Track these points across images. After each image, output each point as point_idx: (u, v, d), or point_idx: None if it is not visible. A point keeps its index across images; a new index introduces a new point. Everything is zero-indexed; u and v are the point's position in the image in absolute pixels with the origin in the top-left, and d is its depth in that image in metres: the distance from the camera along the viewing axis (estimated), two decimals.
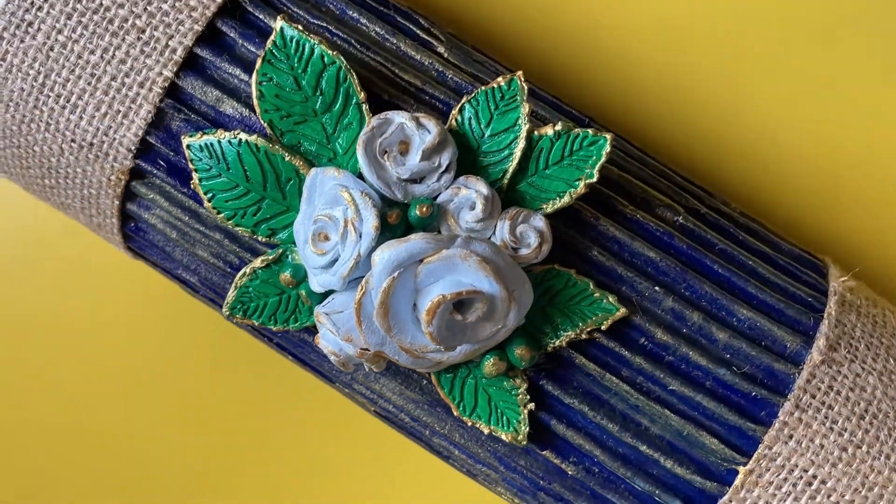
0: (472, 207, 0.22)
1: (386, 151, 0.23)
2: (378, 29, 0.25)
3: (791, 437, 0.23)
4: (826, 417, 0.23)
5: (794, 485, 0.23)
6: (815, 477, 0.23)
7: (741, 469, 0.23)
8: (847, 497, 0.23)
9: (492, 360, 0.23)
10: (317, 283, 0.23)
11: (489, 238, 0.23)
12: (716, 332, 0.24)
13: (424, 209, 0.22)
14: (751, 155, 0.31)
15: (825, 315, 0.24)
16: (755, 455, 0.23)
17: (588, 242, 0.24)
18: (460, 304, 0.22)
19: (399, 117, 0.23)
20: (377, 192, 0.22)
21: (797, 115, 0.31)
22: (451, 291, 0.21)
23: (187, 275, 0.26)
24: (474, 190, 0.22)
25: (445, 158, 0.23)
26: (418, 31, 0.26)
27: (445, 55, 0.26)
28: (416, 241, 0.22)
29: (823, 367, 0.23)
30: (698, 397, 0.23)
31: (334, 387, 0.27)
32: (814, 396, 0.23)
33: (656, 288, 0.24)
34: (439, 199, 0.23)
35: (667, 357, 0.24)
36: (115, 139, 0.25)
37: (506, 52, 0.32)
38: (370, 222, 0.22)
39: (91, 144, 0.25)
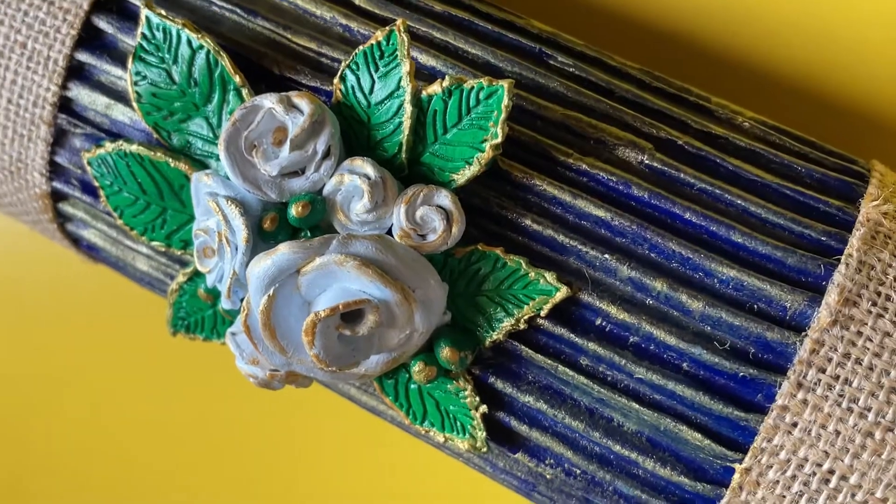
0: (360, 199, 0.19)
1: (255, 145, 0.19)
2: None
3: (795, 424, 0.18)
4: (841, 395, 0.18)
5: (806, 483, 0.18)
6: (832, 472, 0.18)
7: (737, 467, 0.19)
8: (878, 494, 0.18)
9: (418, 365, 0.20)
10: (221, 300, 0.21)
11: (390, 229, 0.19)
12: (688, 301, 0.19)
13: (301, 208, 0.19)
14: (784, 38, 0.25)
15: (843, 257, 0.19)
16: (751, 449, 0.18)
17: (520, 210, 0.20)
18: (351, 315, 0.19)
19: (267, 101, 0.19)
20: (249, 195, 0.19)
21: None
22: (326, 307, 0.18)
23: (148, 287, 0.25)
24: (360, 175, 0.19)
25: (322, 143, 0.19)
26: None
27: (357, 2, 0.22)
28: (284, 252, 0.19)
29: (836, 330, 0.18)
30: (672, 384, 0.19)
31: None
32: (822, 370, 0.18)
33: (608, 255, 0.19)
34: (325, 191, 0.19)
35: (630, 338, 0.19)
36: (28, 164, 0.23)
37: None
38: (240, 233, 0.19)
39: (10, 172, 0.24)
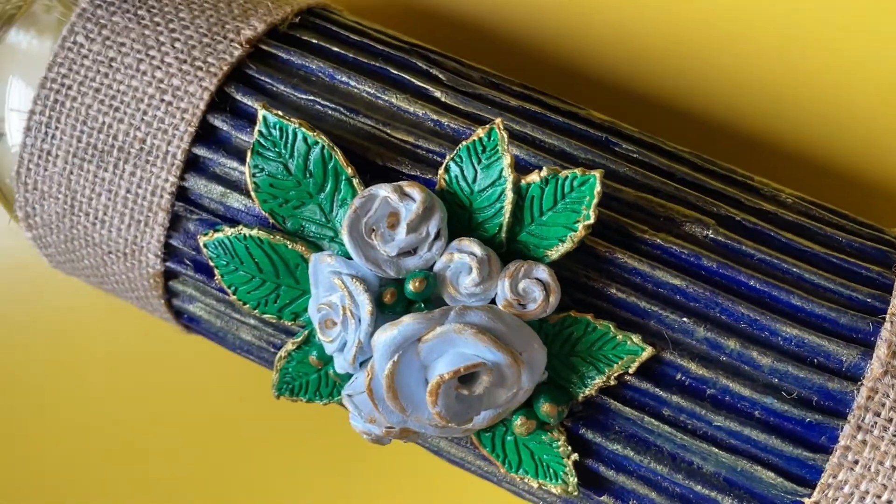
0: (469, 271, 0.22)
1: (373, 229, 0.22)
2: (368, 89, 0.25)
3: (857, 462, 0.21)
4: (892, 436, 0.21)
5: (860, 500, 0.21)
6: (890, 502, 0.21)
7: (806, 501, 0.21)
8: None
9: (519, 420, 0.22)
10: (337, 365, 0.23)
11: (493, 300, 0.22)
12: (758, 357, 0.22)
13: (418, 283, 0.22)
14: (814, 120, 0.28)
15: (888, 316, 0.22)
16: (819, 485, 0.21)
17: (605, 280, 0.22)
18: (467, 377, 0.21)
19: (382, 191, 0.22)
20: (370, 273, 0.22)
21: (863, 68, 0.28)
22: (449, 370, 0.21)
23: (246, 355, 0.27)
24: (468, 253, 0.22)
25: (434, 226, 0.22)
26: (413, 79, 0.25)
27: (443, 99, 0.25)
28: (409, 322, 0.21)
29: (887, 379, 0.21)
30: (747, 430, 0.22)
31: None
32: (878, 414, 0.21)
33: (686, 318, 0.22)
34: (436, 268, 0.22)
35: (707, 391, 0.22)
36: (142, 246, 0.26)
37: (518, 60, 0.30)
38: (365, 307, 0.22)
39: (125, 254, 0.26)
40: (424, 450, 0.27)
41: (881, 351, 0.21)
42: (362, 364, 0.22)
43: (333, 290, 0.22)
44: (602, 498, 0.23)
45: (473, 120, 0.24)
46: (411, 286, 0.22)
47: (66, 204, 0.26)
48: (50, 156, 0.26)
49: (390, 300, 0.22)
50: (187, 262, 0.25)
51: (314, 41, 0.26)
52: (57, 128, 0.25)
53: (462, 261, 0.22)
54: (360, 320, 0.22)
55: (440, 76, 0.25)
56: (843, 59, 0.28)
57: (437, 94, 0.25)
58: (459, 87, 0.25)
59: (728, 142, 0.29)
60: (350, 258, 0.22)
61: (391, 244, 0.22)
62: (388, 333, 0.21)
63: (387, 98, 0.25)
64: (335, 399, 0.25)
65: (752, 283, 0.22)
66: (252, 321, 0.26)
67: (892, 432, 0.21)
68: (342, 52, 0.26)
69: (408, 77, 0.25)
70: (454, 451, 0.26)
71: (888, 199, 0.28)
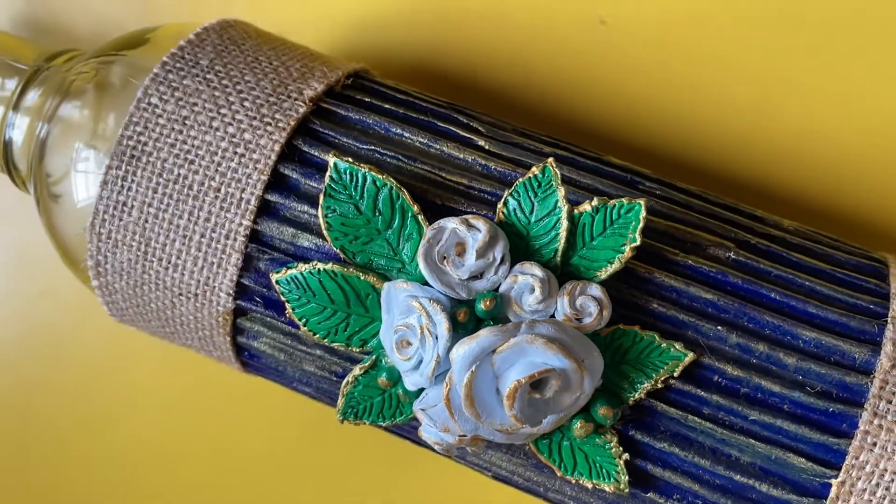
0: (532, 291, 0.25)
1: (444, 257, 0.25)
2: (421, 139, 0.28)
3: (875, 444, 0.24)
4: None
5: (888, 488, 0.24)
6: (889, 485, 0.24)
7: (833, 482, 0.24)
8: None
9: (579, 423, 0.25)
10: (409, 383, 0.26)
11: (552, 315, 0.25)
12: (784, 358, 0.25)
13: (488, 303, 0.24)
14: (796, 166, 0.32)
15: (889, 319, 0.25)
16: (844, 466, 0.24)
17: (647, 297, 0.26)
18: (537, 382, 0.24)
19: (450, 223, 0.25)
20: (444, 295, 0.25)
21: (834, 115, 0.32)
22: (524, 375, 0.24)
23: (302, 387, 0.29)
24: (530, 275, 0.25)
25: (499, 252, 0.25)
26: (458, 130, 0.28)
27: (487, 147, 0.28)
28: (486, 335, 0.24)
29: (895, 372, 0.25)
30: (779, 422, 0.25)
31: (452, 459, 0.30)
32: (890, 402, 0.24)
33: (719, 327, 0.25)
34: (501, 289, 0.25)
35: (742, 389, 0.25)
36: (214, 287, 0.28)
37: (546, 120, 0.34)
38: (442, 325, 0.24)
39: (195, 295, 0.28)
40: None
41: (888, 348, 0.25)
42: (437, 378, 0.25)
43: (410, 313, 0.25)
44: (649, 495, 0.26)
45: (515, 164, 0.28)
46: (482, 305, 0.25)
47: (139, 251, 0.28)
48: (125, 206, 0.28)
49: (463, 318, 0.25)
50: (257, 299, 0.28)
51: (366, 99, 0.29)
52: (133, 181, 0.28)
53: (525, 281, 0.25)
54: (437, 337, 0.25)
55: (480, 128, 0.29)
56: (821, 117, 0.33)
57: (481, 142, 0.28)
58: (498, 137, 0.29)
59: (718, 186, 0.33)
60: (422, 284, 0.25)
61: (462, 269, 0.25)
62: (467, 346, 0.24)
63: (438, 147, 0.28)
64: (397, 420, 0.27)
65: (773, 294, 0.26)
66: (318, 352, 0.28)
67: (892, 408, 0.24)
68: (392, 108, 0.29)
69: (453, 129, 0.28)
70: (505, 466, 0.28)
71: (864, 231, 0.32)
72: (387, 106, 0.29)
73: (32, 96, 0.32)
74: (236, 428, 0.39)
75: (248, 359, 0.30)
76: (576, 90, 0.35)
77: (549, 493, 0.28)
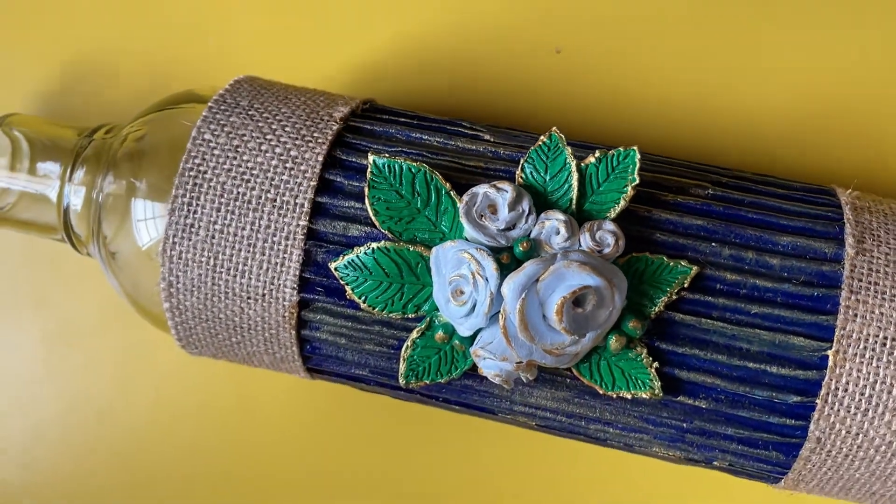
0: (558, 232, 0.30)
1: (482, 215, 0.30)
2: (438, 139, 0.33)
3: (856, 315, 0.29)
4: (877, 292, 0.30)
5: (874, 349, 0.29)
6: (886, 338, 0.29)
7: (829, 353, 0.29)
8: None
9: (614, 338, 0.30)
10: (465, 328, 0.30)
11: (578, 249, 0.30)
12: (770, 260, 0.30)
13: (525, 245, 0.29)
14: (746, 134, 0.38)
15: (845, 221, 0.31)
16: (835, 338, 0.29)
17: (650, 230, 0.31)
18: (576, 301, 0.29)
19: (482, 188, 0.30)
20: (487, 245, 0.30)
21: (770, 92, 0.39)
22: (568, 292, 0.28)
23: (360, 371, 0.33)
24: (554, 219, 0.30)
25: (525, 205, 0.30)
26: (465, 131, 0.34)
27: (492, 139, 0.33)
28: (530, 266, 0.29)
29: (859, 257, 0.30)
30: (776, 311, 0.30)
31: (497, 419, 0.34)
32: (861, 280, 0.30)
33: (713, 244, 0.30)
34: (532, 235, 0.30)
35: (741, 290, 0.30)
36: (279, 285, 0.32)
37: (534, 125, 0.40)
38: (491, 267, 0.29)
39: (263, 295, 0.32)
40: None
41: (849, 240, 0.30)
42: (492, 318, 0.30)
43: (460, 264, 0.30)
44: (679, 398, 0.31)
45: (520, 148, 0.33)
46: (520, 247, 0.29)
47: (208, 265, 0.32)
48: (193, 228, 0.32)
49: (507, 261, 0.29)
50: (319, 289, 0.32)
51: (384, 117, 0.34)
52: (197, 204, 0.32)
53: (552, 225, 0.30)
54: (487, 279, 0.29)
55: (481, 128, 0.34)
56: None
57: (487, 136, 0.34)
58: (499, 133, 0.34)
59: None
60: (466, 241, 0.30)
61: (498, 221, 0.30)
62: (516, 277, 0.29)
63: (453, 143, 0.33)
64: (454, 374, 0.31)
65: (750, 215, 0.31)
66: (376, 328, 0.32)
67: (874, 290, 0.30)
68: (407, 120, 0.34)
69: (461, 130, 0.34)
70: (549, 405, 0.32)
71: None
72: (402, 119, 0.34)
73: (81, 172, 0.36)
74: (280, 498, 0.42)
75: (310, 352, 0.34)
76: (536, 111, 0.41)
77: (591, 426, 0.32)
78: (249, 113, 0.33)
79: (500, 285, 0.29)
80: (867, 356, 0.29)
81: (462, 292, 0.30)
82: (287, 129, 0.33)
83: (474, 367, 0.31)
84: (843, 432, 0.30)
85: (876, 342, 0.29)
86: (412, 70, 0.42)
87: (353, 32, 0.42)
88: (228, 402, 0.42)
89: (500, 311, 0.29)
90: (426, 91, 0.42)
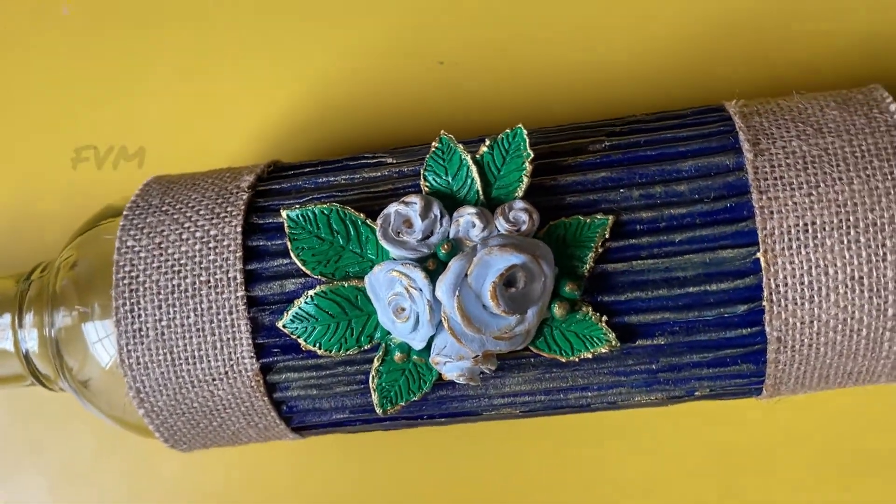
0: (473, 225, 0.31)
1: (398, 232, 0.31)
2: (343, 177, 0.34)
3: (772, 212, 0.30)
4: (784, 185, 0.31)
5: (798, 238, 0.30)
6: (806, 224, 0.30)
7: (759, 255, 0.30)
8: (834, 220, 0.30)
9: (556, 305, 0.31)
10: (417, 342, 0.31)
11: (497, 234, 0.31)
12: (677, 187, 0.31)
13: (446, 246, 0.30)
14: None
15: (737, 129, 0.32)
16: (760, 239, 0.30)
17: (559, 195, 0.32)
18: (508, 282, 0.30)
19: (391, 208, 0.31)
20: (412, 258, 0.31)
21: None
22: (496, 276, 0.29)
23: (340, 415, 0.34)
24: (467, 215, 0.31)
25: (436, 209, 0.31)
26: (368, 161, 0.35)
27: (395, 161, 0.35)
28: (455, 264, 0.30)
29: (759, 159, 0.31)
30: (698, 233, 0.31)
31: (483, 418, 0.35)
32: (765, 179, 0.31)
33: (621, 190, 0.32)
34: (451, 236, 0.31)
35: (660, 224, 0.31)
36: (238, 358, 0.33)
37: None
38: (420, 277, 0.30)
39: (226, 373, 0.33)
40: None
41: (745, 147, 0.31)
42: (437, 325, 0.30)
43: (393, 284, 0.31)
44: (638, 342, 0.32)
45: (420, 162, 0.34)
46: (442, 250, 0.30)
47: (166, 362, 0.33)
48: (141, 332, 0.33)
49: (433, 267, 0.30)
50: (275, 350, 0.33)
51: (290, 173, 0.36)
52: (139, 308, 0.33)
53: (466, 220, 0.31)
54: (421, 289, 0.30)
55: (384, 154, 0.35)
56: None
57: (390, 160, 0.35)
58: (399, 152, 0.35)
59: None
60: (392, 260, 0.31)
61: (416, 233, 0.31)
62: (445, 278, 0.30)
63: (359, 176, 0.34)
64: (425, 388, 0.32)
65: (648, 152, 0.32)
66: (339, 369, 0.33)
67: (780, 184, 0.31)
68: (311, 169, 0.35)
69: (364, 162, 0.35)
70: (524, 388, 0.33)
71: None
72: (307, 169, 0.35)
73: (29, 315, 0.37)
74: None
75: (289, 412, 0.35)
76: (419, 120, 0.42)
77: (570, 396, 0.33)
78: (163, 209, 0.35)
79: (433, 291, 0.30)
80: (794, 246, 0.30)
81: (403, 309, 0.31)
82: (201, 212, 0.34)
83: (441, 377, 0.32)
84: (798, 324, 0.31)
85: (798, 231, 0.30)
86: (314, 120, 0.43)
87: (247, 102, 0.43)
88: (239, 489, 0.43)
89: (442, 315, 0.30)
90: (332, 135, 0.43)
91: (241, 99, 0.44)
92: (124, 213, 0.35)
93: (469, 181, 0.31)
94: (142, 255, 0.34)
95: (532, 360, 0.32)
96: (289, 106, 0.43)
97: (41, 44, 0.45)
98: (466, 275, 0.30)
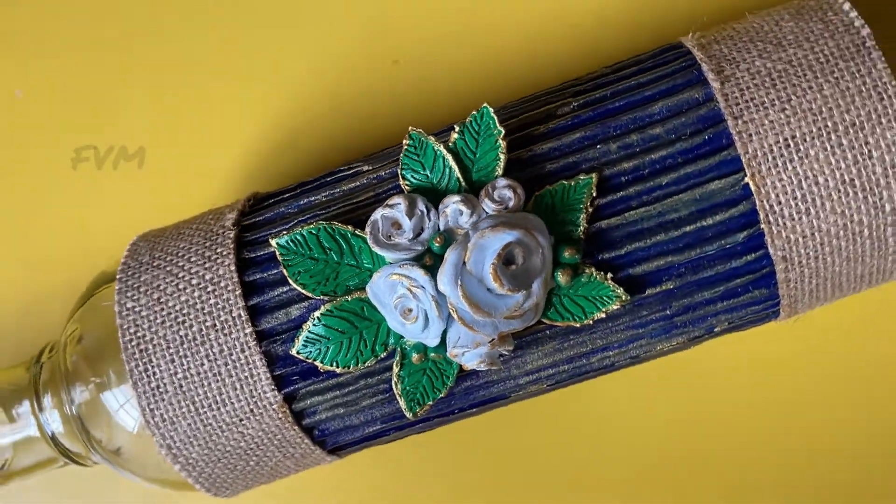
0: (461, 213, 0.31)
1: (389, 236, 0.31)
2: (323, 194, 0.34)
3: (750, 134, 0.30)
4: (756, 105, 0.30)
5: (782, 154, 0.30)
6: (786, 139, 0.30)
7: (746, 179, 0.30)
8: (813, 129, 0.30)
9: (560, 273, 0.31)
10: (431, 339, 0.31)
11: (486, 216, 0.31)
12: (653, 131, 0.31)
13: (439, 239, 0.30)
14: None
15: (699, 62, 0.32)
16: (744, 164, 0.30)
17: (538, 165, 0.32)
18: (507, 260, 0.30)
19: (377, 213, 0.31)
20: (408, 258, 0.31)
21: None
22: (494, 257, 0.29)
23: (372, 427, 0.34)
24: (452, 203, 0.31)
25: (421, 205, 0.31)
26: (345, 173, 0.35)
27: (371, 167, 0.34)
28: (451, 254, 0.30)
29: (727, 85, 0.31)
30: (682, 171, 0.31)
31: (512, 400, 0.34)
32: (737, 104, 0.31)
33: (598, 146, 0.31)
34: (442, 228, 0.31)
35: (644, 171, 0.31)
36: (259, 394, 0.33)
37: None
38: (420, 274, 0.30)
39: (251, 412, 0.33)
40: None
41: (710, 77, 0.31)
42: (447, 318, 0.30)
43: (395, 287, 0.30)
44: (647, 292, 0.32)
45: (396, 163, 0.34)
46: (436, 243, 0.30)
47: (191, 412, 0.33)
48: (159, 389, 0.33)
49: (430, 262, 0.30)
50: (294, 378, 0.33)
51: (270, 202, 0.35)
52: (153, 366, 0.33)
53: (453, 209, 0.31)
54: (423, 286, 0.30)
55: (359, 163, 0.35)
56: None
57: (365, 167, 0.35)
58: (373, 158, 0.35)
59: None
60: (389, 265, 0.31)
61: (406, 232, 0.31)
62: (445, 270, 0.30)
63: (339, 189, 0.34)
64: (448, 383, 0.32)
65: (618, 103, 0.32)
66: (361, 383, 0.33)
67: (752, 105, 0.31)
68: (290, 194, 0.35)
69: (342, 174, 0.35)
70: (547, 361, 0.33)
71: None
72: (287, 195, 0.35)
73: (48, 397, 0.37)
74: None
75: (321, 436, 0.34)
76: (385, 121, 0.42)
77: (593, 360, 0.33)
78: (155, 265, 0.35)
79: (436, 286, 0.30)
80: (780, 164, 0.30)
81: (410, 310, 0.31)
82: (192, 259, 0.34)
83: (462, 369, 0.32)
84: (800, 239, 0.31)
85: (780, 148, 0.30)
86: (285, 144, 0.43)
87: (217, 141, 0.43)
88: None
89: (449, 308, 0.30)
90: (307, 156, 0.43)
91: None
92: (118, 276, 0.35)
93: (447, 171, 0.31)
94: (143, 313, 0.34)
95: (548, 331, 0.32)
96: (261, 126, 0.43)
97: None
98: (465, 262, 0.30)
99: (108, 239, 0.42)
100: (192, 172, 0.43)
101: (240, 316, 0.33)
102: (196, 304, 0.33)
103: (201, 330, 0.33)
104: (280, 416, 0.33)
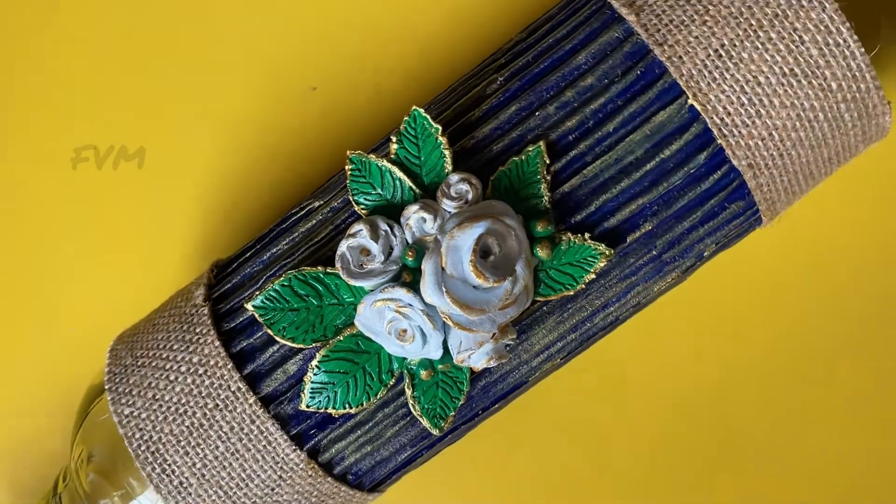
0: (424, 220, 0.30)
1: (361, 264, 0.30)
2: (283, 242, 0.33)
3: (679, 56, 0.30)
4: (677, 25, 0.30)
5: (715, 66, 0.30)
6: (715, 50, 0.30)
7: (690, 101, 0.30)
8: (739, 32, 0.30)
9: (538, 248, 0.30)
10: (434, 352, 0.30)
11: (449, 217, 0.30)
12: (584, 82, 0.31)
13: (410, 253, 0.30)
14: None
15: (615, 6, 0.31)
16: (682, 85, 0.30)
17: (485, 149, 0.31)
18: (484, 253, 0.29)
19: (342, 246, 0.30)
20: (387, 281, 0.30)
21: None
22: (470, 254, 0.29)
23: (402, 455, 0.34)
24: (412, 213, 0.30)
25: (383, 225, 0.30)
26: (298, 215, 0.34)
27: (321, 203, 0.34)
28: (428, 264, 0.29)
29: (642, 15, 0.30)
30: (626, 112, 0.30)
31: (530, 384, 0.34)
32: (658, 30, 0.30)
33: (536, 114, 0.31)
34: (410, 241, 0.30)
35: (588, 123, 0.31)
36: (283, 459, 0.32)
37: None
38: (402, 293, 0.29)
39: (280, 478, 0.32)
40: None
41: (624, 12, 0.31)
42: (443, 326, 0.30)
43: (383, 313, 0.30)
44: (628, 239, 0.31)
45: (346, 189, 0.33)
46: (409, 258, 0.30)
47: (220, 498, 0.32)
48: (183, 484, 0.32)
49: (409, 278, 0.30)
50: (312, 431, 0.32)
51: (233, 266, 0.35)
52: (169, 464, 0.32)
53: (415, 218, 0.30)
54: (410, 304, 0.29)
55: (309, 201, 0.34)
56: None
57: (317, 203, 0.34)
58: (319, 191, 0.34)
59: None
60: (370, 292, 0.30)
61: (376, 256, 0.30)
62: (426, 281, 0.29)
63: (297, 232, 0.33)
64: (464, 389, 0.32)
65: (542, 65, 0.32)
66: (379, 415, 0.32)
67: (674, 27, 0.30)
68: (253, 251, 0.34)
69: (294, 216, 0.34)
70: (555, 336, 0.32)
71: None
72: (247, 254, 0.35)
73: None
74: None
75: (356, 480, 0.34)
76: (299, 144, 0.41)
77: (597, 321, 0.33)
78: (139, 364, 0.34)
79: (422, 299, 0.29)
80: (717, 75, 0.30)
81: (404, 331, 0.30)
82: (175, 346, 0.33)
83: (473, 371, 0.32)
84: (759, 143, 0.30)
85: (713, 61, 0.30)
86: (236, 199, 0.42)
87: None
88: None
89: (442, 316, 0.29)
90: (262, 205, 0.42)
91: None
92: (105, 386, 0.34)
93: (398, 183, 0.31)
94: (143, 416, 0.33)
95: (545, 308, 0.32)
96: (206, 205, 0.43)
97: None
98: (443, 268, 0.29)
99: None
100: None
101: (239, 389, 0.32)
102: (192, 390, 0.32)
103: (205, 414, 0.32)
104: (310, 473, 0.33)
